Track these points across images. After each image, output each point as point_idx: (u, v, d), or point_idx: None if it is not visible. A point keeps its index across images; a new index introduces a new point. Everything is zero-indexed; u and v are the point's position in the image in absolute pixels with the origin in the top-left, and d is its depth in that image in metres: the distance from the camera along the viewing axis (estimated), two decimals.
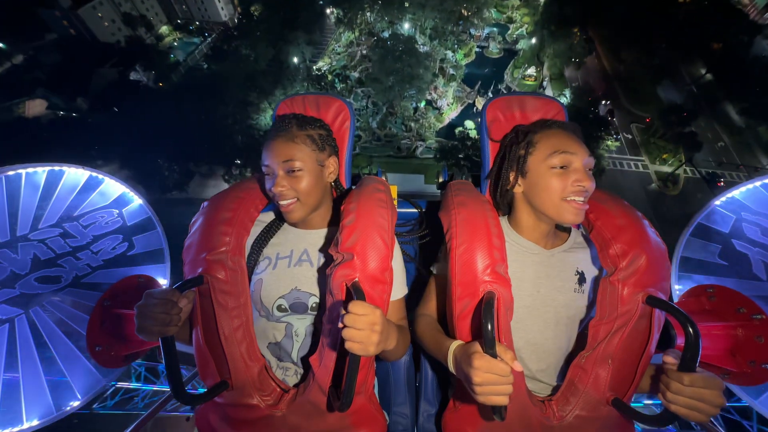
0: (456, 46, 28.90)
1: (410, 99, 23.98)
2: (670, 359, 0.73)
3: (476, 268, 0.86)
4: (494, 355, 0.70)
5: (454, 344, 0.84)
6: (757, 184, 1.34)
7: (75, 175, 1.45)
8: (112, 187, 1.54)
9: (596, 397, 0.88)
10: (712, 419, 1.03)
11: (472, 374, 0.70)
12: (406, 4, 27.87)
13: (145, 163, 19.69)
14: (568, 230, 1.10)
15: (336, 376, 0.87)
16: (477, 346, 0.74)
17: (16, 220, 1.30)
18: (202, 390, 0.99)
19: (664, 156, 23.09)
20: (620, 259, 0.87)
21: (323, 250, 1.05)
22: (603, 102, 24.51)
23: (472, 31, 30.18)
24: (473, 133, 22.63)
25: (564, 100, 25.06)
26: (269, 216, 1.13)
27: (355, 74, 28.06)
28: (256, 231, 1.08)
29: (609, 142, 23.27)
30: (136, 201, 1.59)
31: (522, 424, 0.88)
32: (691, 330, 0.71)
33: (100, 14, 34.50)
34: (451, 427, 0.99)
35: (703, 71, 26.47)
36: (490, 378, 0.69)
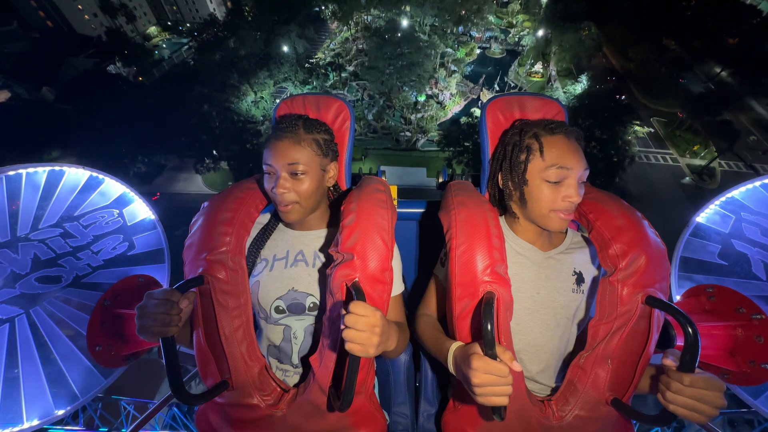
0: (456, 44, 28.70)
1: (410, 88, 23.11)
2: (670, 362, 0.73)
3: (476, 268, 0.86)
4: (494, 356, 0.70)
5: (454, 345, 0.85)
6: (757, 184, 1.34)
7: (75, 175, 1.46)
8: (113, 187, 1.54)
9: (595, 397, 0.88)
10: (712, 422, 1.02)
11: (472, 375, 0.70)
12: (405, 6, 27.60)
13: (109, 155, 18.42)
14: (564, 230, 1.10)
15: (336, 376, 0.87)
16: (476, 347, 0.74)
17: (17, 220, 1.30)
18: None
19: (695, 148, 22.54)
20: (620, 259, 0.87)
21: (319, 250, 1.05)
22: (617, 97, 23.82)
23: (473, 32, 30.14)
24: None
25: (580, 87, 24.44)
26: (265, 217, 1.13)
27: (350, 68, 27.57)
28: (253, 233, 1.08)
29: (638, 128, 22.54)
30: (137, 201, 1.59)
31: (521, 424, 0.88)
32: (690, 330, 0.71)
33: (80, 6, 33.04)
34: (451, 427, 0.99)
35: (718, 69, 26.16)
36: (490, 379, 0.69)
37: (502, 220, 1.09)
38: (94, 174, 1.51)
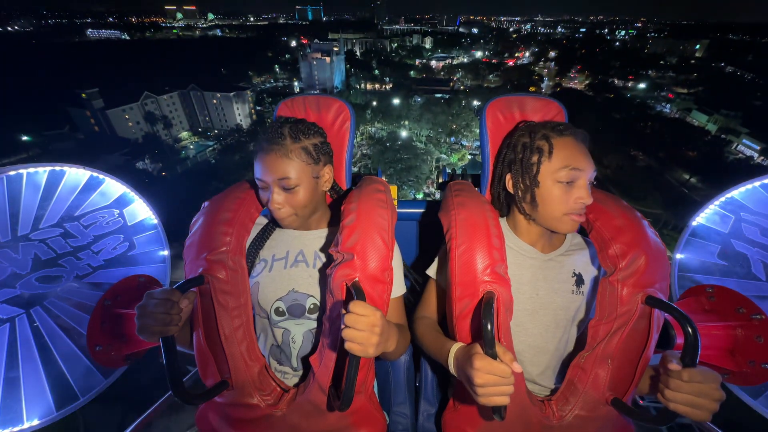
0: (449, 151, 34.11)
1: (409, 187, 26.37)
2: (674, 366, 0.72)
3: (476, 269, 0.87)
4: (494, 355, 0.71)
5: (455, 347, 0.85)
6: (756, 184, 1.34)
7: (76, 175, 1.46)
8: (113, 187, 1.55)
9: (595, 397, 0.88)
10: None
11: (474, 375, 0.70)
12: (405, 122, 33.00)
13: None
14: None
15: (336, 375, 0.87)
16: (477, 348, 0.74)
17: (17, 220, 1.30)
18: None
19: None
20: (619, 259, 0.88)
21: (319, 251, 1.05)
22: None
23: (464, 142, 35.56)
24: None
25: None
26: (265, 218, 1.13)
27: (355, 169, 31.05)
28: (253, 233, 1.08)
29: None
30: (137, 201, 1.59)
31: (522, 424, 0.88)
32: (690, 330, 0.72)
33: (127, 116, 38.38)
34: (451, 427, 0.99)
35: (686, 176, 29.81)
36: (492, 379, 0.69)
37: (502, 221, 1.09)
38: (95, 174, 1.51)
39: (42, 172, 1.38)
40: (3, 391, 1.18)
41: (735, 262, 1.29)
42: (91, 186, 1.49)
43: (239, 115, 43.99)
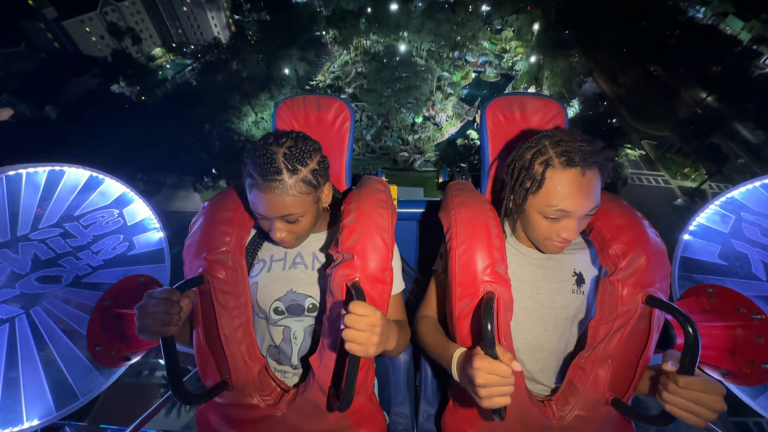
0: (452, 69, 30.20)
1: (408, 110, 23.65)
2: (669, 367, 0.73)
3: (476, 268, 0.87)
4: (494, 355, 0.71)
5: (458, 352, 0.84)
6: (757, 184, 1.34)
7: (76, 175, 1.45)
8: (113, 187, 1.54)
9: (595, 397, 0.88)
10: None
11: (475, 375, 0.70)
12: (403, 32, 28.74)
13: (107, 172, 19.63)
14: None
15: (336, 376, 0.87)
16: (478, 349, 0.75)
17: (17, 220, 1.30)
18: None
19: (686, 170, 23.18)
20: (620, 259, 0.87)
21: (318, 252, 1.05)
22: (608, 120, 24.70)
23: (468, 57, 31.66)
24: (477, 143, 22.92)
25: (572, 111, 25.22)
26: None
27: (350, 90, 28.62)
28: (252, 232, 1.08)
29: (629, 151, 23.20)
30: (137, 201, 1.59)
31: (522, 424, 0.88)
32: (690, 330, 0.72)
33: (87, 29, 33.97)
34: (451, 427, 0.99)
35: (704, 95, 27.25)
36: (492, 379, 0.69)
37: (503, 221, 1.09)
38: (94, 174, 1.50)
39: (41, 172, 1.38)
40: (3, 391, 1.18)
41: (735, 262, 1.29)
42: (90, 186, 1.49)
43: (215, 26, 38.36)
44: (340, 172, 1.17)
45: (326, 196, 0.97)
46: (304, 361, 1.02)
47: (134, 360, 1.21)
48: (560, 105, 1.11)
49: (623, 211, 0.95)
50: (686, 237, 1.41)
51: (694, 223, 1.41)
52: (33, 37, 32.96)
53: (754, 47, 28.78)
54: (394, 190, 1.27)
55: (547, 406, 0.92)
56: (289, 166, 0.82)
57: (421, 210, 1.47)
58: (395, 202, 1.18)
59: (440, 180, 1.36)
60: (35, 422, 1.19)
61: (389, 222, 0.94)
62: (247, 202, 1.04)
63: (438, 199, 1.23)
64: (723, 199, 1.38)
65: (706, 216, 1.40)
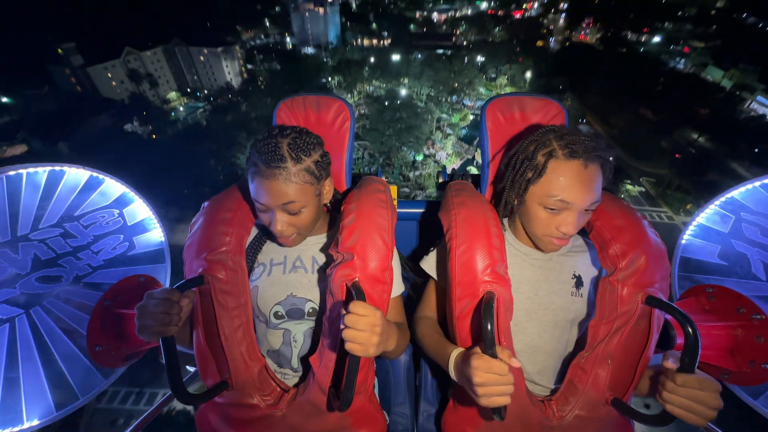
0: (451, 111, 32.30)
1: (409, 148, 24.71)
2: (670, 364, 0.73)
3: (476, 268, 0.87)
4: (494, 355, 0.71)
5: (455, 352, 0.85)
6: (757, 184, 1.34)
7: (76, 175, 1.45)
8: (113, 187, 1.54)
9: (595, 397, 0.88)
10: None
11: (473, 374, 0.70)
12: (404, 79, 31.17)
13: None
14: None
15: (336, 376, 0.87)
16: (476, 349, 0.75)
17: (17, 220, 1.30)
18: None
19: (688, 207, 23.35)
20: (620, 259, 0.87)
21: (317, 254, 1.05)
22: None
23: (466, 101, 33.89)
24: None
25: None
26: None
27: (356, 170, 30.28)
28: (253, 233, 1.08)
29: (629, 187, 23.68)
30: (137, 201, 1.59)
31: (521, 424, 0.88)
32: (690, 330, 0.72)
33: (109, 74, 36.18)
34: (451, 427, 0.99)
35: (695, 135, 28.48)
36: (490, 378, 0.69)
37: (503, 221, 1.09)
38: (95, 174, 1.50)
39: (42, 171, 1.38)
40: (3, 391, 1.18)
41: (735, 262, 1.29)
42: (90, 186, 1.49)
43: (229, 73, 40.92)
44: (339, 172, 1.17)
45: (327, 191, 0.98)
46: (304, 361, 1.02)
47: (134, 360, 1.20)
48: (560, 105, 1.11)
49: (623, 211, 0.95)
50: (686, 237, 1.41)
51: (694, 223, 1.41)
52: (57, 80, 34.76)
53: (737, 93, 30.89)
54: (394, 190, 1.27)
55: (547, 406, 0.92)
56: (293, 155, 0.84)
57: (421, 210, 1.47)
58: (395, 202, 1.18)
59: (440, 180, 1.36)
60: (35, 422, 1.19)
61: (389, 222, 0.94)
62: (247, 203, 1.05)
63: (438, 199, 1.23)
64: (723, 199, 1.38)
65: (705, 216, 1.40)
